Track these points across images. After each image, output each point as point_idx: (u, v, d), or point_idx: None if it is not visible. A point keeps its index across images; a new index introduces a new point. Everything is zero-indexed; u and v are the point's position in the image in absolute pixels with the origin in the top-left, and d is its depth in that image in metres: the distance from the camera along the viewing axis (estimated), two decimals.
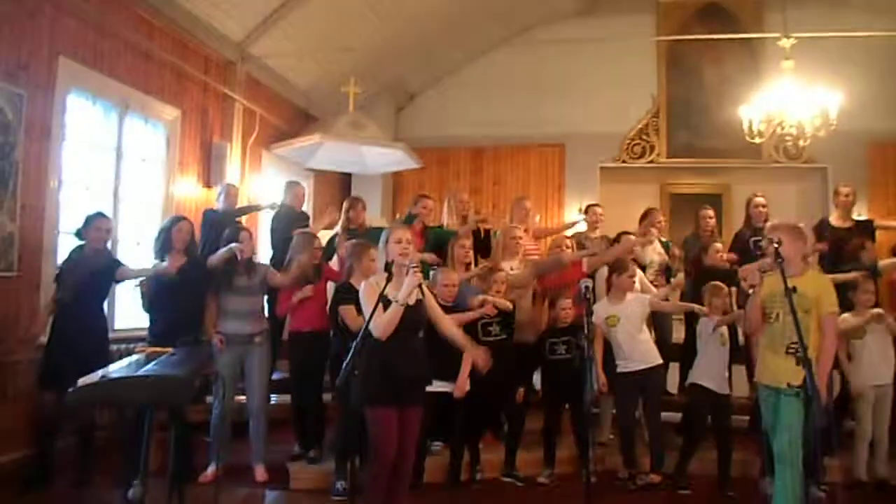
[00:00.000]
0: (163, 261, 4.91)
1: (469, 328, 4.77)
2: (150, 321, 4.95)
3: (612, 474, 5.24)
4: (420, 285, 3.71)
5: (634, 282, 5.41)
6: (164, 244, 4.93)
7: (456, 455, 5.03)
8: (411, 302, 3.68)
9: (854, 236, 6.12)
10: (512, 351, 5.12)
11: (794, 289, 3.32)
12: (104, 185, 5.92)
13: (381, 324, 3.50)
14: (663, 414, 5.37)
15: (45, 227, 5.11)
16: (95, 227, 4.80)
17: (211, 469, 4.85)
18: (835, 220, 6.57)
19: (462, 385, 4.12)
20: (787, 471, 3.65)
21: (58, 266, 4.92)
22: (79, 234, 4.82)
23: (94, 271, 4.76)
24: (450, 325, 3.94)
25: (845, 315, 5.02)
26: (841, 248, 6.12)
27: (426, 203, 6.30)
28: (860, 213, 8.20)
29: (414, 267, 3.56)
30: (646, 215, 6.73)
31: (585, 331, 3.57)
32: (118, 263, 4.93)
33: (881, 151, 9.14)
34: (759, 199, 6.53)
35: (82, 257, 4.77)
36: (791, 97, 6.84)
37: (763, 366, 3.89)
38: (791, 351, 3.65)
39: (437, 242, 6.06)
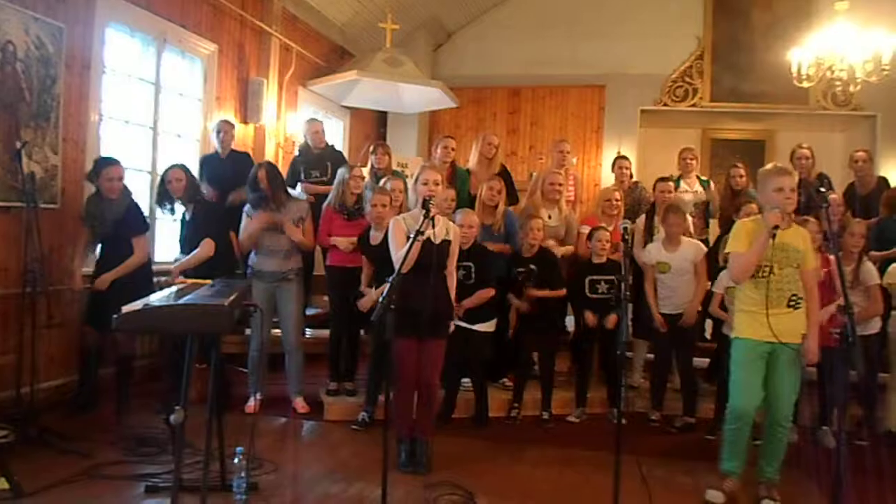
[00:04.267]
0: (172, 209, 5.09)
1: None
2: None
3: (640, 416, 5.29)
4: (448, 230, 4.03)
5: (679, 231, 5.18)
6: (163, 195, 5.02)
7: (481, 392, 5.12)
8: (435, 240, 3.82)
9: (874, 200, 5.90)
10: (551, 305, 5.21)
11: None
12: (143, 118, 5.96)
13: (400, 257, 3.62)
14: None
15: (86, 159, 5.15)
16: (106, 178, 4.70)
17: (252, 400, 4.98)
18: (856, 188, 6.34)
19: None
20: (785, 430, 3.73)
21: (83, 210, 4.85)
22: (92, 178, 4.80)
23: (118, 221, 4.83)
24: (451, 279, 4.21)
25: None
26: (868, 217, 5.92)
27: (447, 143, 6.05)
28: None
29: (431, 203, 3.69)
30: (681, 155, 6.63)
31: (623, 272, 3.54)
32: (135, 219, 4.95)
33: None
34: (804, 151, 6.27)
35: (107, 202, 4.78)
36: (843, 40, 6.59)
37: (752, 320, 3.66)
38: (792, 304, 3.64)
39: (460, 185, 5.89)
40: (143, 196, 5.77)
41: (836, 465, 2.86)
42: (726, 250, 3.87)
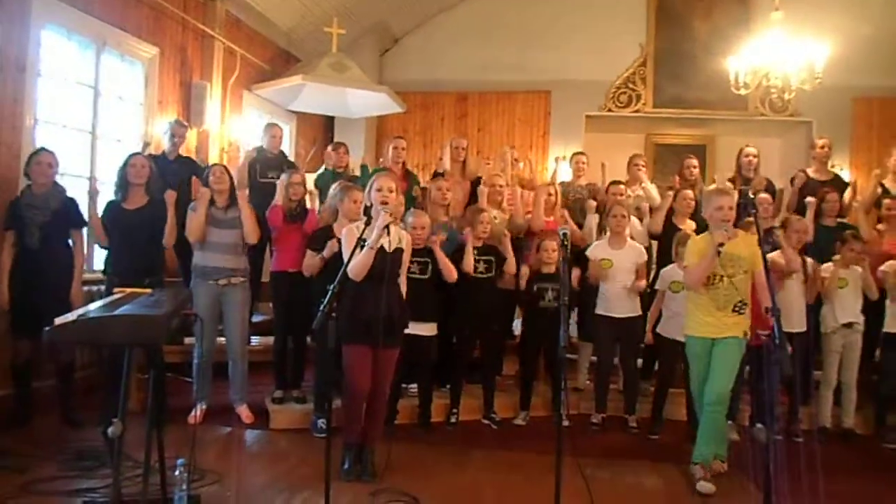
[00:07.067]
0: (123, 199, 4.92)
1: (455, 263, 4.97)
2: (109, 260, 4.97)
3: (585, 418, 5.36)
4: (401, 238, 3.98)
5: (625, 225, 5.34)
6: (122, 181, 4.92)
7: (426, 397, 5.11)
8: (389, 248, 3.82)
9: (828, 190, 6.06)
10: (495, 292, 5.24)
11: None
12: (81, 123, 5.81)
13: (355, 266, 3.67)
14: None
15: (20, 165, 4.98)
16: (36, 162, 4.64)
17: (196, 410, 4.87)
18: (812, 172, 6.56)
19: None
20: (720, 411, 4.01)
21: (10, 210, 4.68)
22: (27, 175, 4.70)
23: (56, 211, 4.72)
24: (402, 286, 4.14)
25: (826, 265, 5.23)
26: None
27: (397, 143, 6.20)
28: (841, 167, 8.23)
29: (384, 211, 3.70)
30: (631, 162, 6.73)
31: (563, 277, 3.59)
32: (75, 211, 4.87)
33: (865, 106, 9.14)
34: (750, 150, 6.55)
35: (36, 198, 4.66)
36: (778, 49, 6.80)
37: (700, 321, 4.08)
38: (736, 309, 3.99)
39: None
40: (80, 202, 5.61)
41: (766, 461, 2.96)
42: (685, 264, 4.33)
